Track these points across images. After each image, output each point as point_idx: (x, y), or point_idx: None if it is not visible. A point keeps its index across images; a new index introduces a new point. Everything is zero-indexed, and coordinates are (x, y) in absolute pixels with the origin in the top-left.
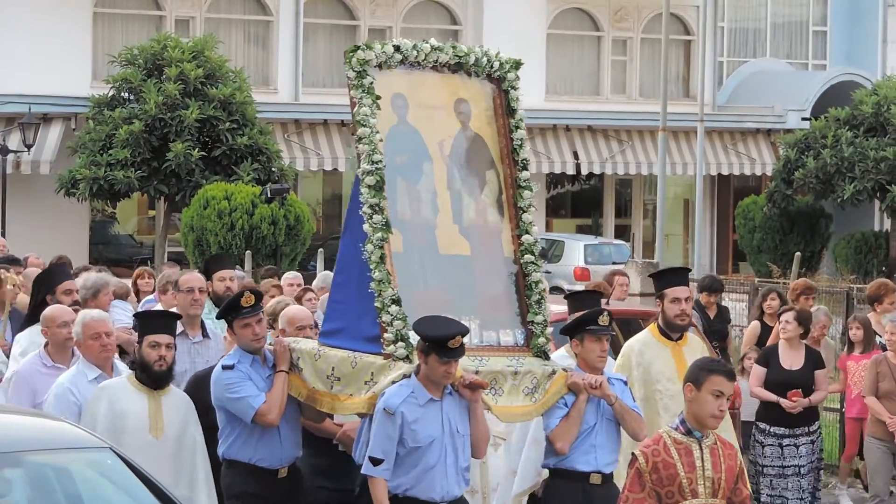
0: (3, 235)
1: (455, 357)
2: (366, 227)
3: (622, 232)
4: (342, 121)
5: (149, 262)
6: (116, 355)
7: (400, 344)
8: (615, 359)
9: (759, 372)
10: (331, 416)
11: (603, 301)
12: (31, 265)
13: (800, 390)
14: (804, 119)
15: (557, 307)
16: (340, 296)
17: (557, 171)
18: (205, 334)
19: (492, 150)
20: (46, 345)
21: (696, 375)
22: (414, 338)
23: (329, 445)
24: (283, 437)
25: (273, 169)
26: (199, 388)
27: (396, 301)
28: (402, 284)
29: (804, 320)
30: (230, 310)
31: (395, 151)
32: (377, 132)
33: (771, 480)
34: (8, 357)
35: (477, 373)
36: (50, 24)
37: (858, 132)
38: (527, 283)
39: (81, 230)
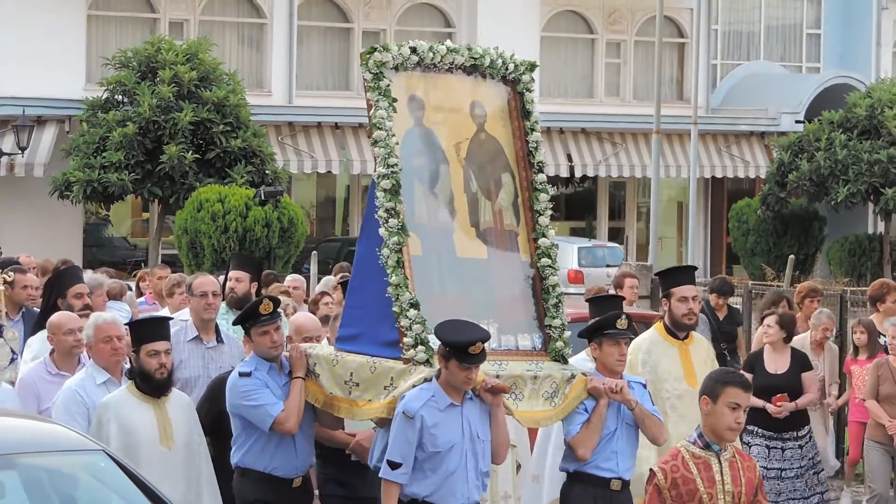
0: None
1: (476, 363)
2: (382, 231)
3: (616, 235)
4: (336, 123)
5: (143, 264)
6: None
7: (420, 348)
8: None
9: None
10: (340, 424)
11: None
12: (24, 264)
13: (786, 394)
14: (798, 122)
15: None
16: (357, 301)
17: (551, 173)
18: (219, 339)
19: (507, 153)
20: (52, 352)
21: (712, 388)
22: (434, 341)
23: (340, 454)
24: (298, 446)
25: (267, 171)
26: (215, 393)
27: (415, 305)
28: (421, 288)
29: (787, 324)
30: (248, 317)
31: (412, 154)
32: (393, 135)
33: None
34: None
35: (497, 377)
36: (44, 27)
37: (852, 135)
38: (544, 286)
39: (75, 233)
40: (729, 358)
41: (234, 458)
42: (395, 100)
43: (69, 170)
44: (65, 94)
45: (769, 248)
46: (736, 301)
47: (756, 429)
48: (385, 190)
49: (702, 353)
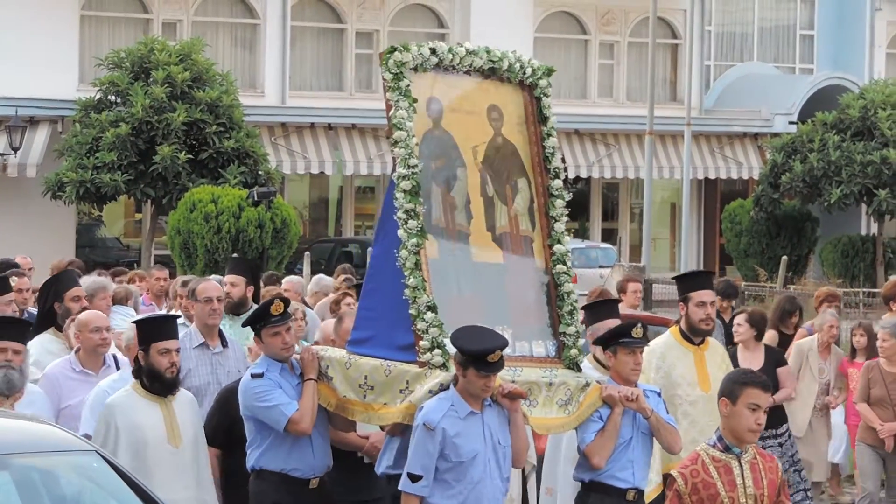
0: None
1: (494, 371)
2: (400, 232)
3: (609, 236)
4: (329, 124)
5: (135, 265)
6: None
7: (436, 352)
8: None
9: None
10: (352, 427)
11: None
12: (21, 265)
13: None
14: (791, 123)
15: None
16: (372, 303)
17: None
18: (224, 344)
19: (523, 158)
20: (77, 350)
21: (731, 389)
22: (450, 345)
23: (349, 457)
24: (314, 446)
25: (260, 172)
26: (227, 401)
27: (432, 308)
28: (438, 291)
29: (756, 322)
30: (259, 318)
31: (430, 156)
32: (413, 136)
33: None
34: None
35: (513, 383)
36: (37, 27)
37: (845, 136)
38: (558, 293)
39: (68, 233)
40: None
41: (250, 460)
42: (415, 100)
43: (62, 170)
44: (58, 95)
45: (762, 249)
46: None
47: None
48: (405, 191)
49: (717, 358)
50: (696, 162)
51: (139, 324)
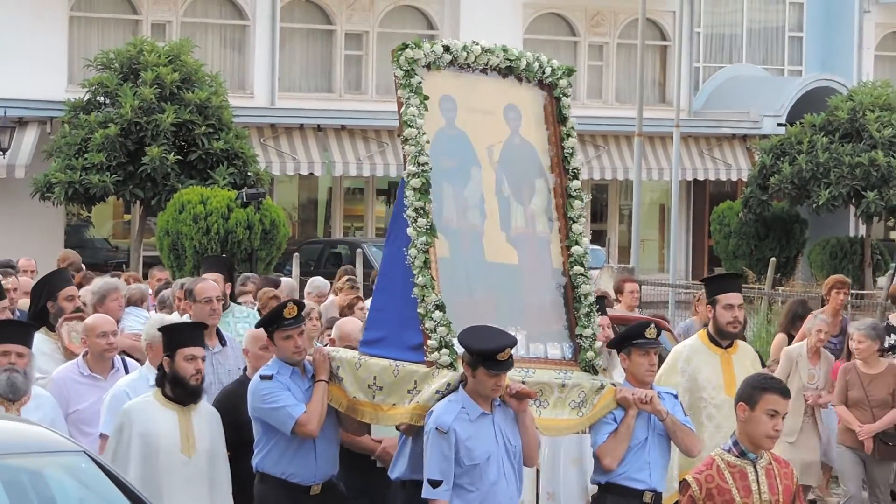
0: None
1: (504, 370)
2: (410, 230)
3: (598, 237)
4: (318, 125)
5: (124, 266)
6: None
7: (444, 351)
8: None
9: None
10: (369, 430)
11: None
12: (23, 267)
13: None
14: (780, 125)
15: None
16: (382, 303)
17: None
18: (222, 342)
19: (541, 158)
20: (86, 354)
21: (750, 394)
22: (458, 345)
23: (362, 460)
24: (318, 452)
25: (249, 173)
26: (228, 404)
27: (440, 307)
28: (448, 291)
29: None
30: (272, 320)
31: (443, 155)
32: (424, 133)
33: None
34: None
35: (523, 383)
36: (26, 28)
37: (834, 138)
38: (576, 295)
39: (57, 234)
40: None
41: (255, 461)
42: (426, 97)
43: (51, 171)
44: (47, 96)
45: (751, 250)
46: None
47: None
48: (415, 189)
49: (746, 362)
50: (684, 163)
51: (165, 330)
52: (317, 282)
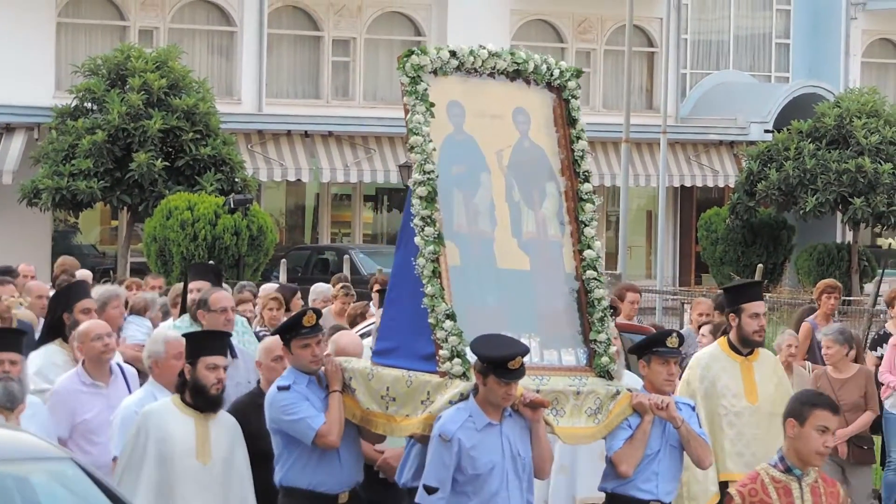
0: None
1: (515, 378)
2: (417, 239)
3: None
4: (305, 131)
5: (111, 272)
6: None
7: (456, 361)
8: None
9: None
10: (383, 439)
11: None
12: (23, 272)
13: None
14: (767, 131)
15: None
16: (394, 313)
17: None
18: (233, 354)
19: (552, 162)
20: (84, 362)
21: (800, 411)
22: (471, 354)
23: (368, 469)
24: (342, 460)
25: (236, 179)
26: (239, 417)
27: (451, 316)
28: (459, 299)
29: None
30: (289, 329)
31: (451, 161)
32: (430, 141)
33: None
34: None
35: (537, 392)
36: (13, 34)
37: (821, 144)
38: (589, 300)
39: (44, 240)
40: None
41: (277, 476)
42: (432, 104)
43: (38, 177)
44: (34, 102)
45: (738, 256)
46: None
47: None
48: (421, 197)
49: (767, 369)
50: (671, 170)
51: (189, 337)
52: (320, 288)
